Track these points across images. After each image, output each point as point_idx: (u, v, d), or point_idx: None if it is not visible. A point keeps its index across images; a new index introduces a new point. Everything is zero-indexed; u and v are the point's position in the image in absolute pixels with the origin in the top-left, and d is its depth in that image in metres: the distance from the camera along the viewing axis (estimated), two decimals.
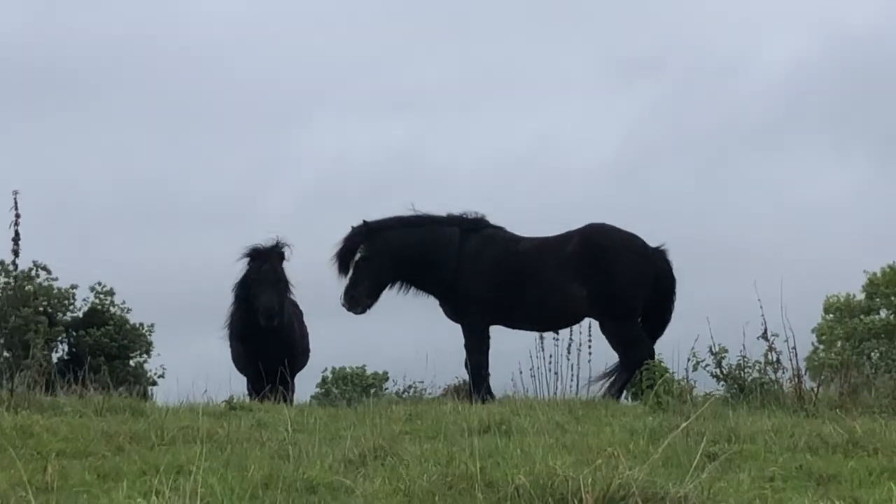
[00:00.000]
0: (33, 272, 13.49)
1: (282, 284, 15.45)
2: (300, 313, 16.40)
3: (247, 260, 15.57)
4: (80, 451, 9.37)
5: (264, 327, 14.97)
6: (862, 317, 54.92)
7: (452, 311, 14.84)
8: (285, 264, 15.71)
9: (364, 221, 15.09)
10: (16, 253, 12.45)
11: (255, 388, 15.01)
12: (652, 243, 14.67)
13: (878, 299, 56.23)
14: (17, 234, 12.33)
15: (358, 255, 15.04)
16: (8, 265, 13.89)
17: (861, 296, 56.88)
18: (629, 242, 14.59)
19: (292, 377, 15.01)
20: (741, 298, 13.61)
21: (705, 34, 45.31)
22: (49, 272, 12.79)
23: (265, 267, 15.41)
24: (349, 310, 14.98)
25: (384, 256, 14.97)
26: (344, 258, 15.07)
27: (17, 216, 12.28)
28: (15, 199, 12.37)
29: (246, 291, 15.34)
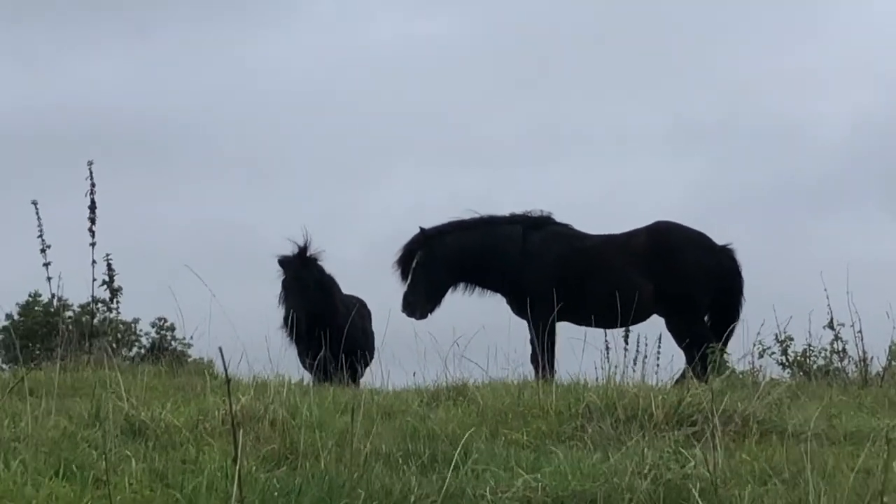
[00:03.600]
0: (90, 306, 13.92)
1: (309, 291, 15.40)
2: (367, 313, 16.38)
3: (279, 271, 15.64)
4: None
5: (308, 332, 15.02)
6: None
7: (518, 309, 14.94)
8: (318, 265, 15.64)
9: (421, 228, 15.30)
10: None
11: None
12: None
13: None
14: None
15: (415, 262, 15.25)
16: (90, 305, 14.45)
17: None
18: (696, 239, 14.70)
19: (355, 379, 15.05)
20: (807, 286, 13.71)
21: (771, 95, 45.19)
22: (109, 307, 13.15)
23: (288, 275, 15.48)
24: (409, 315, 15.12)
25: (441, 261, 15.12)
26: (402, 265, 15.29)
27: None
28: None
29: (283, 302, 15.42)
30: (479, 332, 10.61)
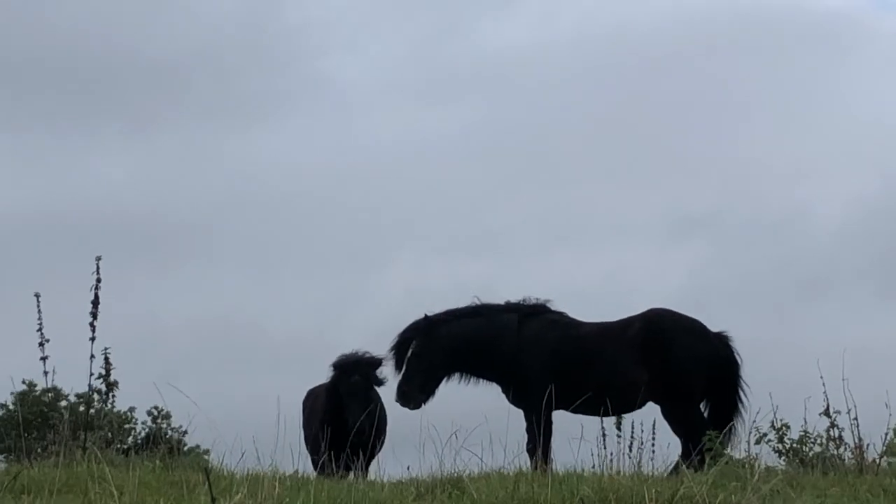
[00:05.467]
0: (86, 398, 14.00)
1: (371, 397, 15.40)
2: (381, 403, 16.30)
3: (335, 370, 15.58)
4: None
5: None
6: None
7: (514, 397, 14.94)
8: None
9: (425, 315, 15.32)
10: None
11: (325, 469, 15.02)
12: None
13: None
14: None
15: (410, 351, 15.24)
16: (86, 397, 14.55)
17: None
18: (690, 327, 14.71)
19: (368, 463, 14.98)
20: (803, 372, 13.74)
21: (764, 182, 45.58)
22: (104, 399, 13.19)
23: (354, 378, 15.41)
24: (402, 405, 15.12)
25: (436, 351, 15.11)
26: (397, 354, 15.29)
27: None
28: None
29: (334, 403, 15.32)
30: (480, 424, 10.60)
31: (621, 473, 10.22)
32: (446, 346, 15.13)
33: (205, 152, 46.76)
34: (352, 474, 14.39)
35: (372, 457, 14.92)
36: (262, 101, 48.92)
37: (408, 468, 10.93)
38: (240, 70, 49.54)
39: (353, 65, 50.76)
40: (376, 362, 15.59)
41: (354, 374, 15.41)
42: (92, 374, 13.57)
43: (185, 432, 22.91)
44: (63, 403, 24.54)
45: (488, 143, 47.43)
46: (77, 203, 43.07)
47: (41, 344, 13.97)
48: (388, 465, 11.38)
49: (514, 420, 14.27)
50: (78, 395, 19.20)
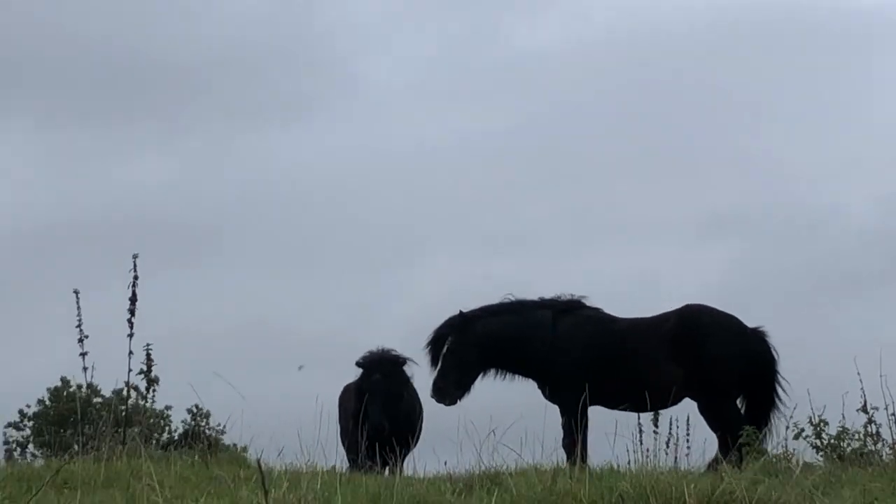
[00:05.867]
0: (124, 392, 14.03)
1: (393, 395, 15.45)
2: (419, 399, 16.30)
3: (360, 370, 15.66)
4: None
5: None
6: None
7: (550, 394, 14.96)
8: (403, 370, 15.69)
9: (460, 312, 15.35)
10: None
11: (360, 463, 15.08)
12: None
13: None
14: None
15: (445, 347, 15.28)
16: (123, 393, 14.66)
17: None
18: (726, 322, 14.69)
19: (402, 459, 15.02)
20: (840, 368, 13.71)
21: (800, 179, 45.40)
22: (143, 395, 13.23)
23: (375, 377, 15.49)
24: (438, 401, 15.17)
25: (471, 348, 15.15)
26: (432, 350, 15.34)
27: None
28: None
29: (360, 401, 15.40)
30: (517, 420, 10.62)
31: (658, 469, 10.25)
32: (481, 342, 15.16)
33: (237, 154, 46.93)
34: (387, 470, 14.46)
35: (406, 453, 14.96)
36: (294, 103, 49.02)
37: (445, 463, 10.98)
38: (271, 72, 49.65)
39: (383, 66, 50.85)
40: (399, 360, 15.63)
41: (376, 372, 15.48)
42: (131, 370, 13.65)
43: (223, 431, 23.04)
44: (97, 400, 24.67)
45: (520, 143, 47.39)
46: (111, 204, 43.29)
47: (80, 340, 14.07)
48: (427, 460, 11.40)
49: (551, 416, 14.29)
50: (115, 392, 19.34)
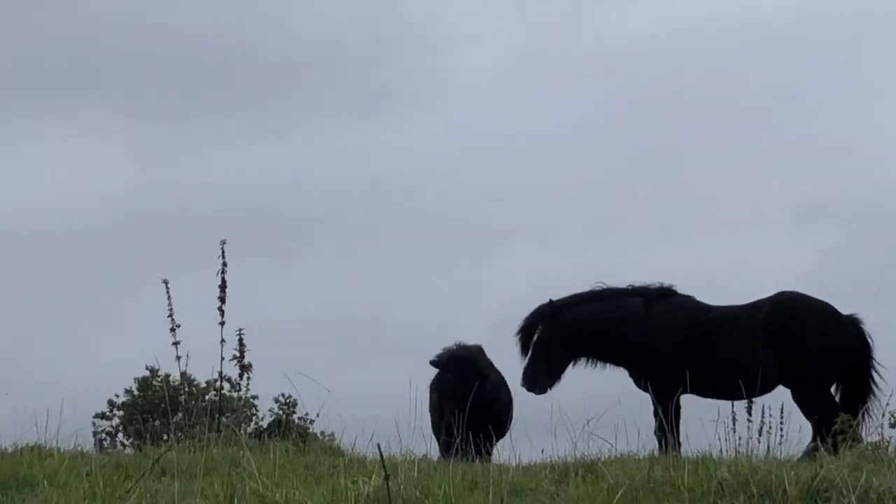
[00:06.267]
0: (217, 383, 14.19)
1: (466, 392, 15.41)
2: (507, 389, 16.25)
3: (436, 369, 15.68)
4: None
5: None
6: None
7: (641, 382, 14.88)
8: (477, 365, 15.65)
9: (550, 300, 15.29)
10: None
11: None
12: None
13: None
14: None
15: (536, 336, 15.24)
16: (216, 382, 14.81)
17: None
18: (820, 309, 14.53)
19: (490, 450, 15.00)
20: None
21: (888, 172, 44.89)
22: (232, 384, 13.36)
23: (448, 376, 15.49)
24: (528, 390, 15.13)
25: (561, 336, 15.08)
26: (523, 338, 15.30)
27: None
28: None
29: (437, 400, 15.42)
30: (610, 407, 10.60)
31: (754, 457, 10.18)
32: (571, 330, 15.09)
33: (325, 148, 47.06)
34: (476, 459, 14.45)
35: (493, 443, 14.94)
36: (380, 96, 49.10)
37: (542, 452, 10.98)
38: (359, 66, 49.77)
39: (471, 58, 50.70)
40: (468, 358, 15.53)
41: (448, 371, 15.44)
42: (224, 359, 13.75)
43: (312, 420, 23.17)
44: (184, 388, 24.87)
45: (608, 132, 47.15)
46: (201, 198, 43.62)
47: (172, 329, 14.17)
48: (522, 448, 11.40)
49: (645, 404, 14.24)
50: (208, 383, 19.50)
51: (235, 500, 7.94)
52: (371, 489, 7.54)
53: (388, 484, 5.32)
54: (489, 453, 14.68)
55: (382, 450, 10.31)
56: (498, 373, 15.87)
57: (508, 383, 15.92)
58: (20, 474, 10.06)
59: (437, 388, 15.46)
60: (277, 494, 7.92)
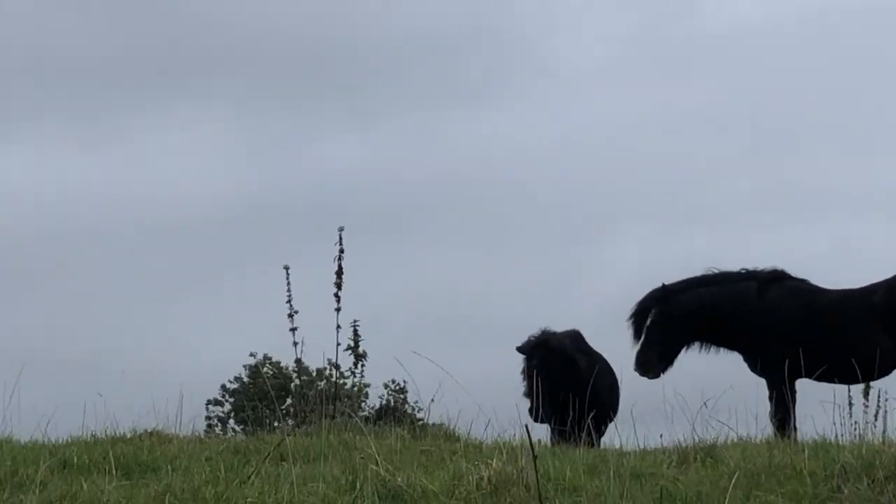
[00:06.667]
0: (327, 371, 14.38)
1: (552, 379, 15.36)
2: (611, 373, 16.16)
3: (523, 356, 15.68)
4: None
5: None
6: None
7: (756, 366, 14.77)
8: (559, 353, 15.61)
9: (662, 284, 15.22)
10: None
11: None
12: None
13: None
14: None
15: (649, 320, 15.19)
16: (330, 370, 14.97)
17: None
18: None
19: (598, 435, 14.94)
20: None
21: None
22: (351, 372, 13.54)
23: (533, 363, 15.46)
24: (641, 374, 15.06)
25: (674, 320, 15.01)
26: (636, 322, 15.25)
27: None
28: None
29: (528, 386, 15.42)
30: (726, 391, 10.54)
31: (874, 441, 10.07)
32: (684, 315, 15.01)
33: (431, 136, 47.21)
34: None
35: (599, 427, 14.89)
36: (484, 83, 49.12)
37: (661, 436, 10.95)
38: (462, 53, 49.85)
39: (576, 45, 50.56)
40: (553, 341, 15.46)
41: (534, 358, 15.42)
42: (339, 345, 13.87)
43: (421, 408, 23.27)
44: (298, 375, 25.06)
45: (715, 119, 46.77)
46: (312, 187, 43.97)
47: (290, 315, 14.29)
48: (640, 433, 11.37)
49: (761, 388, 14.14)
50: (318, 371, 19.67)
51: (358, 484, 8.01)
52: (492, 473, 7.58)
53: (535, 463, 5.34)
54: (593, 438, 14.65)
55: (501, 436, 10.38)
56: (596, 357, 15.80)
57: (614, 367, 15.88)
58: (141, 459, 10.21)
59: (524, 374, 15.47)
60: (399, 479, 7.98)
